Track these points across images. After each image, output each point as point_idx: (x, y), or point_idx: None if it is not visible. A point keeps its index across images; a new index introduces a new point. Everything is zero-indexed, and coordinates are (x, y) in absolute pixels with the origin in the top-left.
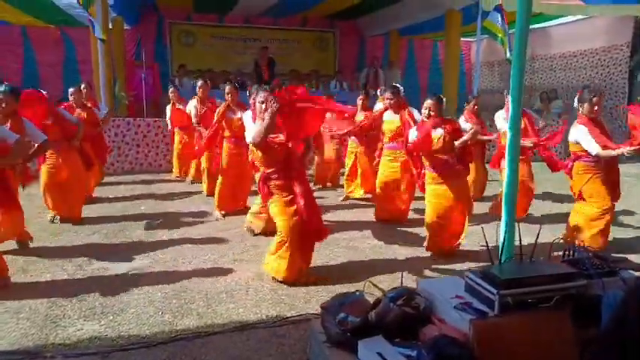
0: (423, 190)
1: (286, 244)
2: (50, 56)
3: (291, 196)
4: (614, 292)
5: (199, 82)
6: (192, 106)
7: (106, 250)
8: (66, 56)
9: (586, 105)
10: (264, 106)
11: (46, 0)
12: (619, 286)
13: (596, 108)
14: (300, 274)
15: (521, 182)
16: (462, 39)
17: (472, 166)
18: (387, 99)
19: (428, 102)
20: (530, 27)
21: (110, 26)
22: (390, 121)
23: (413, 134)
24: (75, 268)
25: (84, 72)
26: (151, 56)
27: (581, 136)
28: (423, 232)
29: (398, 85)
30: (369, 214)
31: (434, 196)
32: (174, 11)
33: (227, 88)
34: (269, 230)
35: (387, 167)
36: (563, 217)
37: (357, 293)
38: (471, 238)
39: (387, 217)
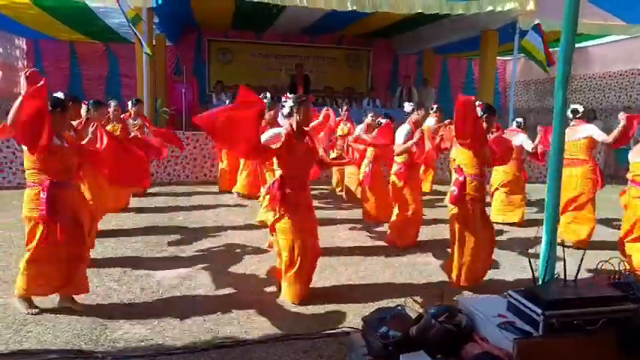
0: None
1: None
2: (95, 70)
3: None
4: None
5: None
6: None
7: (149, 258)
8: (110, 70)
9: None
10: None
11: (97, 20)
12: None
13: None
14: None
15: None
16: (497, 57)
17: None
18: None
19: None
20: None
21: (153, 43)
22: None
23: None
24: (120, 274)
25: (126, 85)
26: (190, 72)
27: None
28: None
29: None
30: None
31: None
32: (213, 29)
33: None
34: None
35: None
36: (611, 243)
37: (399, 308)
38: (507, 259)
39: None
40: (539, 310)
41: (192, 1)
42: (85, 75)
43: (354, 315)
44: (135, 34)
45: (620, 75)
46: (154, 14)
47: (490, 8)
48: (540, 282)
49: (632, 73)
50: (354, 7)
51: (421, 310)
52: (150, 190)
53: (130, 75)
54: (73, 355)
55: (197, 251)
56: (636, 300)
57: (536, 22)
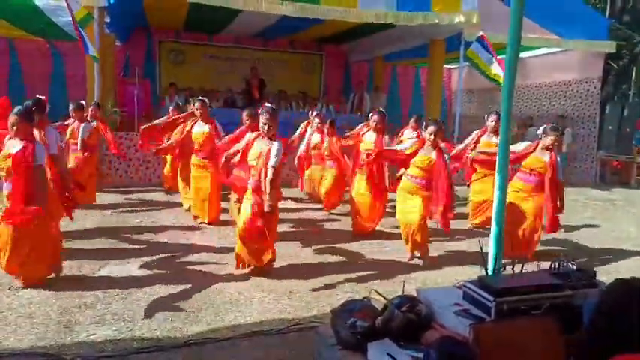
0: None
1: None
2: (37, 68)
3: None
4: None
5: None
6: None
7: (108, 260)
8: (54, 69)
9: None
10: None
11: (43, 16)
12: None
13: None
14: None
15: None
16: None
17: None
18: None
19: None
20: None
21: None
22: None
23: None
24: (80, 276)
25: (72, 85)
26: (141, 73)
27: None
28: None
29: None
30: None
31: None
32: (165, 30)
33: (197, 104)
34: None
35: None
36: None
37: (365, 300)
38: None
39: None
40: (491, 298)
41: (145, 0)
42: (26, 72)
43: (318, 310)
44: (81, 36)
45: (555, 85)
46: (105, 14)
47: (437, 21)
48: (491, 272)
49: (565, 84)
50: (306, 15)
51: (385, 301)
52: (105, 192)
53: (76, 75)
54: (40, 358)
55: (158, 252)
56: (573, 287)
57: (480, 33)
